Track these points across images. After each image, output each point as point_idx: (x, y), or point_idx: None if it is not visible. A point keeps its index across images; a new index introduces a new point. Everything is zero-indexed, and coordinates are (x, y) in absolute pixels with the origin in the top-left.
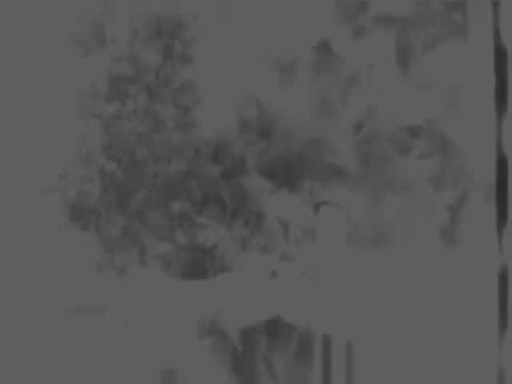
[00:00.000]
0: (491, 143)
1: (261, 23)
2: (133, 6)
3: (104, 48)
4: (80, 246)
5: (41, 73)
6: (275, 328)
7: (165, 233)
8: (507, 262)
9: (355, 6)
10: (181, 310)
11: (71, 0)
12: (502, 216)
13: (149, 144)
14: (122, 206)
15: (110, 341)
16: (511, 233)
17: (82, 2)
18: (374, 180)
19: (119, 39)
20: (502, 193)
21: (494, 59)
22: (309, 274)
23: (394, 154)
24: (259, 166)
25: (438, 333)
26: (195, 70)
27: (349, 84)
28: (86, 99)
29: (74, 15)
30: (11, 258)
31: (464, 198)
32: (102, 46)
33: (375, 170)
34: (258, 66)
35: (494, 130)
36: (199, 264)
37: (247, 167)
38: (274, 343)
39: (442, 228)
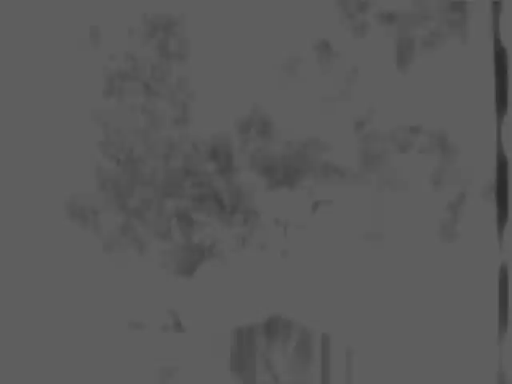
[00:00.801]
0: (491, 142)
1: (260, 21)
2: (128, 3)
3: (100, 45)
4: (78, 243)
5: (37, 71)
6: (275, 328)
7: (163, 230)
8: (507, 260)
9: (356, 5)
10: (180, 308)
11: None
12: (502, 215)
13: (146, 141)
14: (120, 204)
15: (110, 339)
16: (511, 231)
17: (78, 1)
18: (374, 178)
19: (115, 36)
20: (502, 192)
21: (493, 59)
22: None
23: (393, 153)
24: (258, 164)
25: (437, 331)
26: (192, 67)
27: (348, 82)
28: (83, 96)
29: (70, 13)
30: (10, 255)
31: (463, 197)
32: (98, 44)
33: (375, 168)
34: (258, 64)
35: (493, 130)
36: (198, 261)
37: (245, 165)
38: (273, 343)
39: (442, 226)
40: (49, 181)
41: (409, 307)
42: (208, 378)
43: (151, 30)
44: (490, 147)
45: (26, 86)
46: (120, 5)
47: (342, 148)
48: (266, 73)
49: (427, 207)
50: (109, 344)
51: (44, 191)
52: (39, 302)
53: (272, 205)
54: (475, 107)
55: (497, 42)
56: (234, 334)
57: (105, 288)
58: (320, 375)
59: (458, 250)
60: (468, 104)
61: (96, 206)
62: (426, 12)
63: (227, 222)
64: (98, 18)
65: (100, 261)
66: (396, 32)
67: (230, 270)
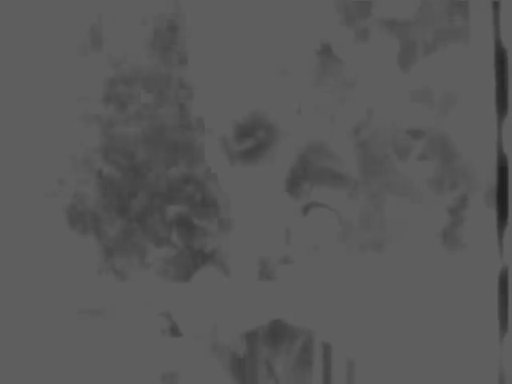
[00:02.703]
0: (492, 145)
1: (261, 26)
2: (130, 7)
3: (101, 50)
4: (80, 249)
5: (38, 76)
6: (278, 334)
7: (165, 236)
8: (508, 264)
9: (357, 10)
10: (182, 313)
11: (68, 2)
12: (502, 218)
13: (147, 146)
14: (121, 209)
15: (111, 344)
16: (511, 233)
17: (79, 4)
18: (374, 183)
19: (116, 41)
20: (502, 195)
21: (494, 61)
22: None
23: (394, 157)
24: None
25: (438, 335)
26: (194, 72)
27: (349, 87)
28: (84, 102)
29: (70, 18)
30: (11, 261)
31: (464, 201)
32: (99, 48)
33: (375, 173)
34: (258, 69)
35: (494, 132)
36: (199, 268)
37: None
38: (277, 348)
39: (443, 231)
40: (49, 186)
41: (409, 311)
42: (209, 382)
43: (152, 35)
44: (491, 150)
45: (26, 90)
46: (121, 8)
47: (342, 153)
48: (267, 78)
49: (428, 211)
50: (109, 349)
51: (44, 197)
52: (39, 307)
53: (272, 210)
54: (476, 110)
55: (497, 44)
56: (236, 339)
57: (105, 292)
58: (321, 382)
59: (458, 255)
60: (469, 107)
61: (97, 212)
62: (428, 16)
63: (228, 227)
64: (98, 22)
65: (101, 266)
66: (398, 36)
67: (231, 275)
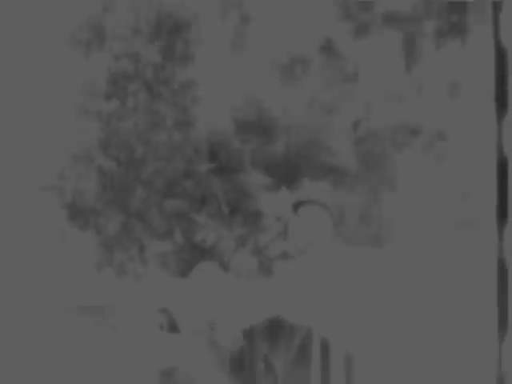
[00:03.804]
0: (491, 143)
1: (261, 22)
2: (134, 3)
3: (104, 45)
4: (79, 244)
5: (40, 71)
6: (277, 330)
7: (164, 231)
8: (508, 261)
9: (357, 5)
10: (180, 308)
11: None
12: (502, 216)
13: (147, 142)
14: (120, 205)
15: (110, 340)
16: (511, 232)
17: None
18: (374, 179)
19: (119, 37)
20: (502, 193)
21: (494, 59)
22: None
23: (393, 153)
24: (258, 165)
25: (436, 333)
26: (196, 69)
27: (349, 82)
28: (85, 97)
29: (74, 13)
30: (10, 257)
31: (463, 198)
32: (102, 44)
33: (374, 169)
34: (259, 66)
35: (494, 130)
36: (198, 263)
37: (246, 166)
38: (275, 345)
39: (442, 228)
40: (48, 181)
41: (408, 308)
42: (207, 379)
43: (156, 32)
44: (490, 148)
45: (26, 86)
46: (125, 5)
47: (341, 149)
48: (267, 74)
49: (427, 208)
50: (108, 345)
51: (43, 192)
52: (38, 302)
53: (272, 205)
54: (475, 108)
55: (497, 42)
56: (234, 335)
57: (104, 288)
58: (320, 379)
59: (458, 252)
60: (468, 105)
61: (96, 207)
62: (427, 13)
63: (227, 223)
64: (102, 18)
65: (100, 261)
66: (397, 33)
67: (230, 271)
